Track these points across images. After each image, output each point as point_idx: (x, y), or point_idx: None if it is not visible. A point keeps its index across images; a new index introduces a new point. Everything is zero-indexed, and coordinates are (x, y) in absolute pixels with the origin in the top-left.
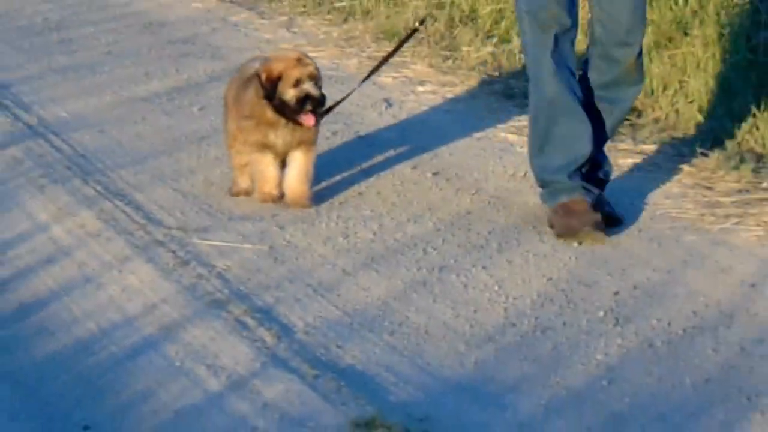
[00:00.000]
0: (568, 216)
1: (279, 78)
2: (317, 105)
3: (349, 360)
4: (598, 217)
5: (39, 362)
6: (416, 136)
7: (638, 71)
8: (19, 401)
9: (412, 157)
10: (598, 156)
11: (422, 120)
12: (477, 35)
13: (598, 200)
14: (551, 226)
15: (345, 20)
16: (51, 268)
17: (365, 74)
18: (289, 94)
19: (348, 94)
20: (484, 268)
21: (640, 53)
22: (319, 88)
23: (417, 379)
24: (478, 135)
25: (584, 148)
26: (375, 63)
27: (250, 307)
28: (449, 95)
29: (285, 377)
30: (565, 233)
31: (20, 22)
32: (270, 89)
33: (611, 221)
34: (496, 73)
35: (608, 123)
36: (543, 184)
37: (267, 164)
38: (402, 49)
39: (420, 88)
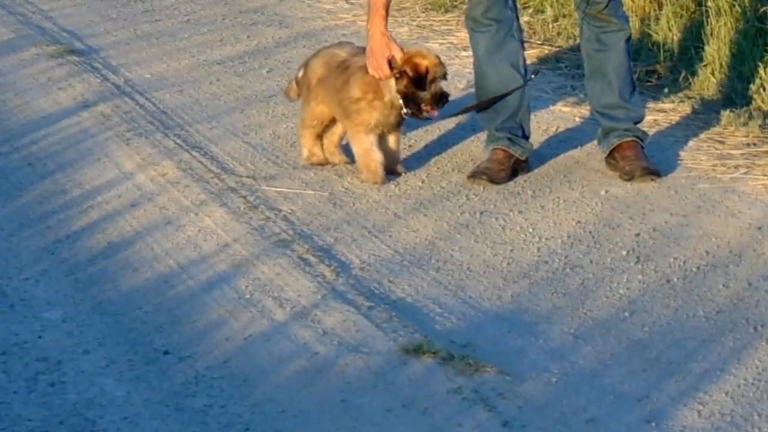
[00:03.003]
0: (486, 162)
1: (426, 73)
2: (446, 102)
3: (400, 293)
4: (500, 167)
5: (124, 294)
6: (460, 95)
7: (614, 18)
8: (106, 328)
9: (455, 113)
10: (624, 104)
11: (466, 81)
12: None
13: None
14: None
15: None
16: (135, 211)
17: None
18: (429, 90)
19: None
20: (519, 212)
21: (606, 7)
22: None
23: (460, 310)
24: None
25: (509, 107)
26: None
27: (312, 246)
28: None
29: (343, 308)
30: (472, 174)
31: None
32: (419, 81)
33: (650, 172)
34: (532, 40)
35: (610, 68)
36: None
37: (373, 144)
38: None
39: (463, 53)
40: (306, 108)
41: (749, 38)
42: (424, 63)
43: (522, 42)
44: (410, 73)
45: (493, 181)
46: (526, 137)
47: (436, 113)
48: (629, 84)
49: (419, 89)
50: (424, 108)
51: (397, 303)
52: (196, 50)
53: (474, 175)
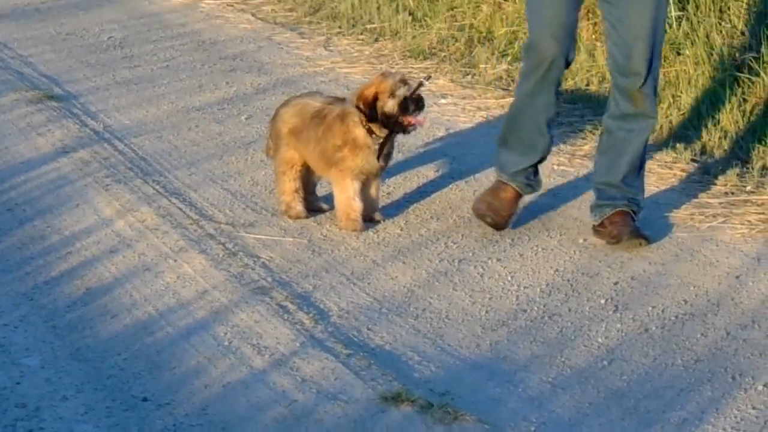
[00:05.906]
0: (494, 196)
1: (375, 98)
2: (418, 103)
3: (378, 341)
4: (505, 210)
5: (103, 341)
6: (438, 142)
7: (646, 102)
8: (85, 375)
9: (434, 161)
10: (625, 188)
11: (444, 129)
12: (493, 54)
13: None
14: None
15: (376, 40)
16: (114, 257)
17: None
18: (389, 105)
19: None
20: (498, 260)
21: (644, 84)
22: (414, 90)
23: (438, 358)
24: (493, 142)
25: (534, 156)
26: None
27: (291, 294)
28: (468, 107)
29: (321, 356)
30: (477, 207)
31: (88, 41)
32: (371, 110)
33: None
34: (510, 88)
35: (628, 151)
36: (497, 167)
37: (356, 193)
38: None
39: (442, 101)
40: (276, 156)
41: (726, 87)
42: (370, 90)
43: (556, 115)
44: (363, 108)
45: (495, 225)
46: (537, 175)
47: (420, 119)
48: (636, 169)
49: (376, 114)
50: (404, 121)
51: (376, 351)
52: (175, 96)
53: (479, 210)
